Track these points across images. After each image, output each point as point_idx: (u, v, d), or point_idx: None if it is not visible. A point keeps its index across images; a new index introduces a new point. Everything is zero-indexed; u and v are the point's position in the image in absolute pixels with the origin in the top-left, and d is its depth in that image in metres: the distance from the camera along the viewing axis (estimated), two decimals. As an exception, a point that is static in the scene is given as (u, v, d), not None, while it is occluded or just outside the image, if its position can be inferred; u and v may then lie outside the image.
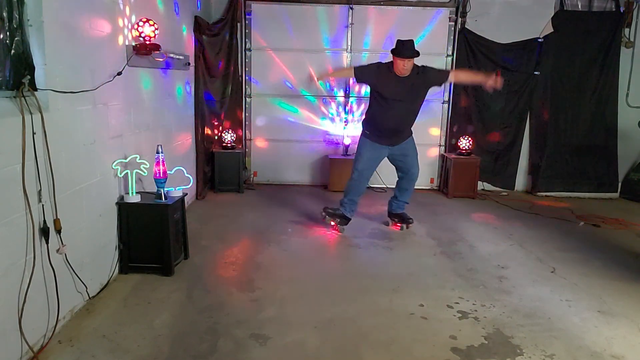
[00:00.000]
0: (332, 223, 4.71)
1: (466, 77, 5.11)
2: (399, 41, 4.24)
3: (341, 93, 6.63)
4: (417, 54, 4.21)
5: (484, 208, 5.86)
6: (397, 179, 4.80)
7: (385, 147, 4.54)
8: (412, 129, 4.62)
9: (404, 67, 4.20)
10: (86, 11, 3.05)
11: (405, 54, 4.18)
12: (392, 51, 4.25)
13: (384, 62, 4.44)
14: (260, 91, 6.64)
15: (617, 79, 6.44)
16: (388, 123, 4.42)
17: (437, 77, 4.49)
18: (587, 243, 4.67)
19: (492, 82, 4.35)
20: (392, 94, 4.31)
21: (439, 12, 6.38)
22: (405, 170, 4.68)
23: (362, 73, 4.48)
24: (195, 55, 5.42)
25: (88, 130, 3.10)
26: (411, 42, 4.22)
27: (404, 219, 4.84)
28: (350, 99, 6.63)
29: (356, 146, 6.55)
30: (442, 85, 5.17)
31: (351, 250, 4.35)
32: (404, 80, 4.29)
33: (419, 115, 4.58)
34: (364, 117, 4.75)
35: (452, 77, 4.94)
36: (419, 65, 4.35)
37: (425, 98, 4.51)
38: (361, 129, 4.69)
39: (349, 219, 4.69)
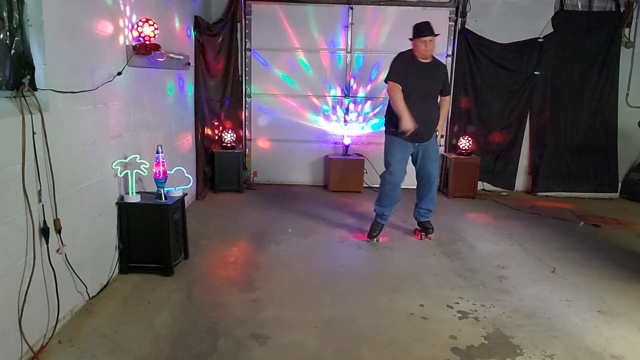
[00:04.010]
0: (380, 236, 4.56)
1: (445, 110, 4.59)
2: (416, 24, 4.21)
3: (341, 93, 6.62)
4: (434, 33, 4.16)
5: (484, 208, 5.87)
6: (416, 184, 4.58)
7: (414, 145, 4.34)
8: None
9: (425, 47, 4.14)
10: (86, 11, 3.05)
11: (425, 32, 4.13)
12: (412, 36, 4.20)
13: (400, 53, 4.35)
14: (261, 91, 6.64)
15: (617, 79, 6.44)
16: (417, 116, 4.16)
17: (446, 80, 4.48)
18: (587, 243, 4.67)
19: (439, 132, 4.48)
20: (418, 83, 4.20)
21: (439, 12, 6.37)
22: (423, 174, 4.46)
23: (400, 78, 4.18)
24: (195, 55, 5.42)
25: (88, 130, 3.10)
26: (428, 22, 4.19)
27: (424, 228, 4.62)
28: (350, 99, 6.62)
29: (357, 146, 6.68)
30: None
31: (351, 250, 4.35)
32: (427, 67, 4.25)
33: None
34: (386, 113, 4.45)
35: (448, 99, 4.60)
36: (439, 60, 4.42)
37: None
38: (384, 127, 4.46)
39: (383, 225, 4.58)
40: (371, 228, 4.56)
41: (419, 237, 4.64)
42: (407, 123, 4.09)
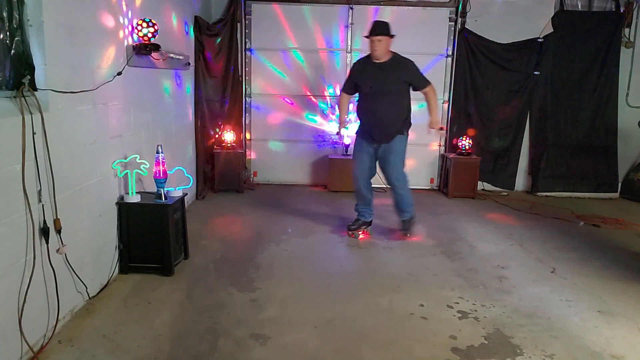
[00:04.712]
0: (360, 234, 4.61)
1: (432, 104, 4.38)
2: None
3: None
4: (385, 32, 4.12)
5: (484, 208, 5.86)
6: None
7: (372, 145, 4.37)
8: (408, 131, 4.40)
9: (373, 47, 4.15)
10: (86, 11, 3.05)
11: (371, 32, 4.13)
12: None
13: (360, 58, 4.51)
14: (260, 91, 6.64)
15: (617, 79, 6.44)
16: (369, 117, 4.31)
17: (415, 76, 4.30)
18: (587, 243, 4.67)
19: (435, 127, 4.40)
20: (369, 83, 4.26)
21: (439, 12, 6.38)
22: (385, 176, 4.49)
23: (348, 84, 4.51)
24: (195, 55, 5.42)
25: (88, 130, 3.10)
26: (380, 22, 4.18)
27: (402, 227, 4.63)
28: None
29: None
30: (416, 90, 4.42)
31: (351, 250, 4.35)
32: (380, 66, 4.22)
33: (417, 115, 4.50)
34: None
35: (429, 91, 4.34)
36: (404, 57, 4.30)
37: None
38: None
39: (371, 222, 4.69)
40: (365, 226, 4.68)
41: (403, 237, 4.61)
42: (339, 127, 4.70)
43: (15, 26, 2.42)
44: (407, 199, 4.50)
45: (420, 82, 4.33)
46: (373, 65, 4.26)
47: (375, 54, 4.20)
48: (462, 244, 4.55)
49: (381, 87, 4.24)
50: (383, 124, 4.28)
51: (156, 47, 3.75)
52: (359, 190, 4.54)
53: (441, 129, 4.31)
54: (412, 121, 4.46)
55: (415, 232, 4.69)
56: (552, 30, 6.32)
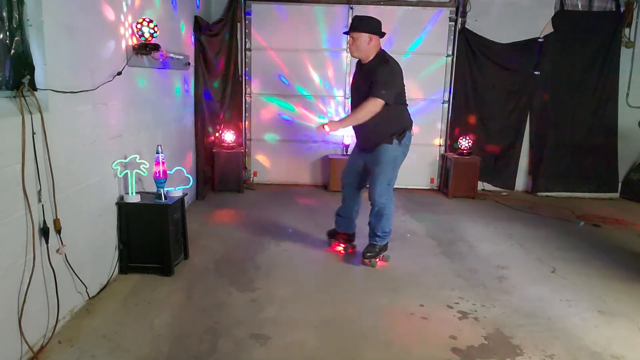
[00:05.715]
0: (339, 245, 4.30)
1: (357, 111, 3.65)
2: None
3: (341, 93, 6.62)
4: (362, 29, 3.61)
5: (484, 208, 5.86)
6: None
7: (361, 154, 3.98)
8: (401, 140, 3.77)
9: (349, 45, 3.76)
10: (86, 11, 3.05)
11: (348, 29, 3.72)
12: None
13: None
14: (260, 91, 6.64)
15: (617, 79, 6.44)
16: None
17: (376, 79, 3.59)
18: (587, 243, 4.67)
19: (324, 127, 3.64)
20: (352, 86, 3.97)
21: (439, 12, 6.37)
22: (369, 192, 3.90)
23: None
24: (195, 55, 5.42)
25: (88, 130, 3.10)
26: (359, 17, 3.73)
27: (366, 250, 3.97)
28: (350, 99, 6.61)
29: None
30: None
31: (351, 250, 4.35)
32: (362, 69, 3.82)
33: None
34: None
35: (368, 100, 3.56)
36: (385, 59, 3.70)
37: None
38: None
39: (340, 233, 4.30)
40: (340, 238, 4.34)
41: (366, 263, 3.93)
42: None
43: (15, 26, 2.42)
44: (384, 222, 3.87)
45: (373, 89, 3.57)
46: (358, 66, 3.90)
47: (352, 54, 3.79)
48: (462, 244, 4.55)
49: (358, 91, 3.81)
50: (362, 130, 3.83)
51: (156, 47, 3.75)
52: (345, 194, 4.18)
53: (322, 127, 3.61)
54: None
55: (379, 261, 3.98)
56: (552, 30, 6.32)
